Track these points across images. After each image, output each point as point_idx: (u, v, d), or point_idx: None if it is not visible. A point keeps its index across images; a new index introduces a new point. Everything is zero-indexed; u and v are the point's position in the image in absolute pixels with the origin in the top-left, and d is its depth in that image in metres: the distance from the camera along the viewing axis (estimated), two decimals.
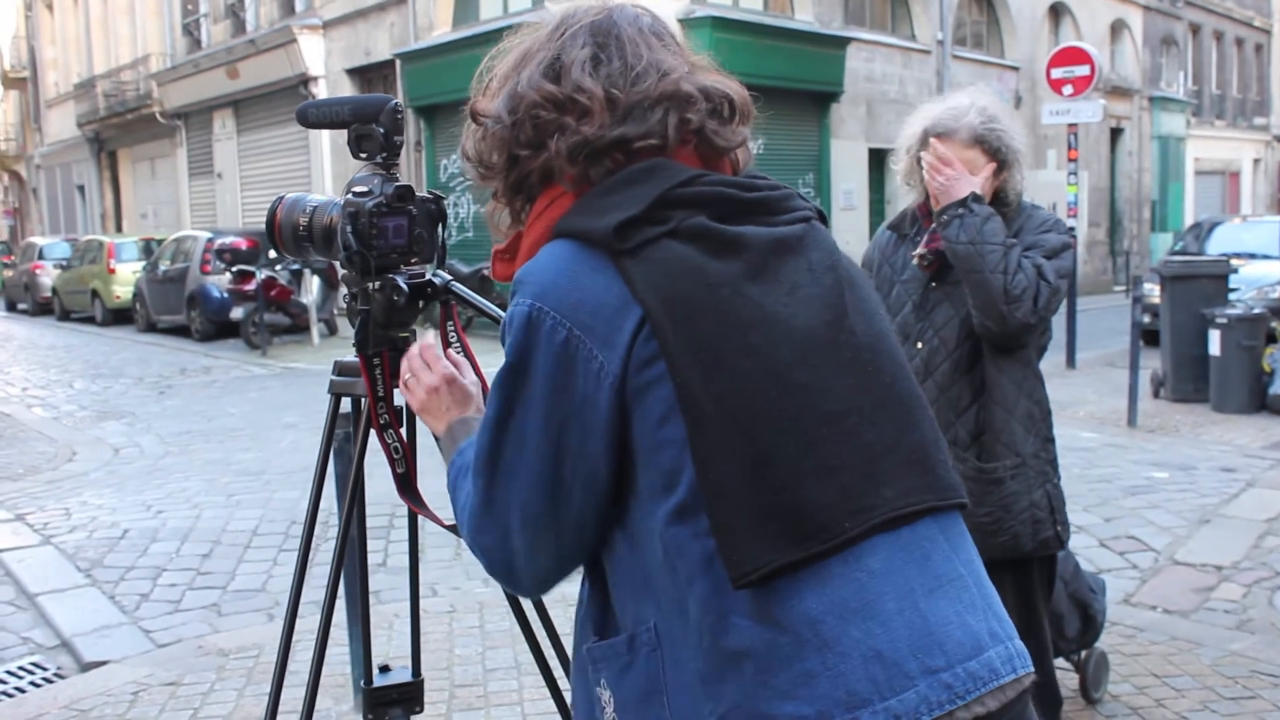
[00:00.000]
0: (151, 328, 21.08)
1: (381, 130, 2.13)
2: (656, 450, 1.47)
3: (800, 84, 19.81)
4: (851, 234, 21.64)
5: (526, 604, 2.56)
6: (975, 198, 3.25)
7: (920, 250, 3.42)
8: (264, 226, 2.37)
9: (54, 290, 25.86)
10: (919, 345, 3.38)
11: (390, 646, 4.82)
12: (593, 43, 1.61)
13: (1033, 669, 1.55)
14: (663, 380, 1.46)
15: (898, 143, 3.56)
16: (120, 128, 33.62)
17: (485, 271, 14.11)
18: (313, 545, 2.63)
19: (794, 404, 1.47)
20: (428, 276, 2.20)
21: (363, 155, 2.15)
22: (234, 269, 17.21)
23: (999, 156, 3.34)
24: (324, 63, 23.74)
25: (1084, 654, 4.20)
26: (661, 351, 1.45)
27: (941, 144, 3.34)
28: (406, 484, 2.26)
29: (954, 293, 3.36)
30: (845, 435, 1.48)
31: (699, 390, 1.44)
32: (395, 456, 2.23)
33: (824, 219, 1.68)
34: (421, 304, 2.20)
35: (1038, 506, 3.34)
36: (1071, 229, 3.99)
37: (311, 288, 17.36)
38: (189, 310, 19.34)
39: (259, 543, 6.78)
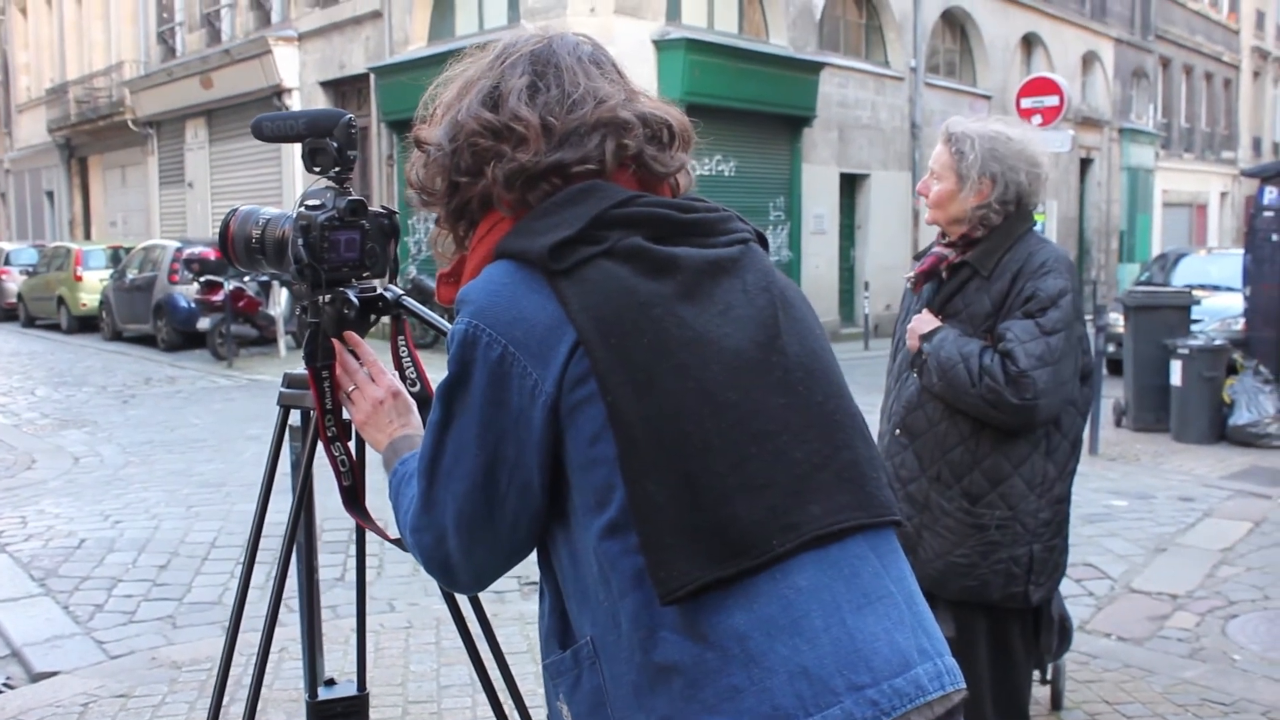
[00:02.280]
0: (117, 336, 20.95)
1: (335, 145, 2.13)
2: (589, 468, 1.50)
3: (773, 108, 19.92)
4: (821, 258, 21.75)
5: (473, 622, 2.56)
6: (924, 339, 3.30)
7: (909, 273, 3.44)
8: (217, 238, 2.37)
9: (19, 296, 25.63)
10: (917, 373, 3.36)
11: (346, 661, 4.79)
12: (531, 71, 1.65)
13: (963, 686, 1.57)
14: (594, 399, 1.48)
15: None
16: (91, 134, 33.42)
17: None
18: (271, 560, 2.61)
19: (723, 423, 1.49)
20: (379, 291, 2.21)
21: (316, 169, 2.15)
22: (202, 279, 17.13)
23: (957, 161, 3.29)
24: (298, 75, 23.69)
25: (1053, 666, 4.28)
26: (592, 371, 1.48)
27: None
28: (353, 497, 2.26)
29: (951, 326, 3.32)
30: (774, 454, 1.51)
31: (629, 409, 1.47)
32: (342, 469, 2.23)
33: (764, 241, 1.72)
34: (373, 318, 2.21)
35: (1015, 563, 3.28)
36: None
37: (280, 300, 17.29)
38: (156, 319, 19.21)
39: (217, 555, 6.74)
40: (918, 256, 3.58)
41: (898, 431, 3.39)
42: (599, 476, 1.49)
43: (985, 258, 3.30)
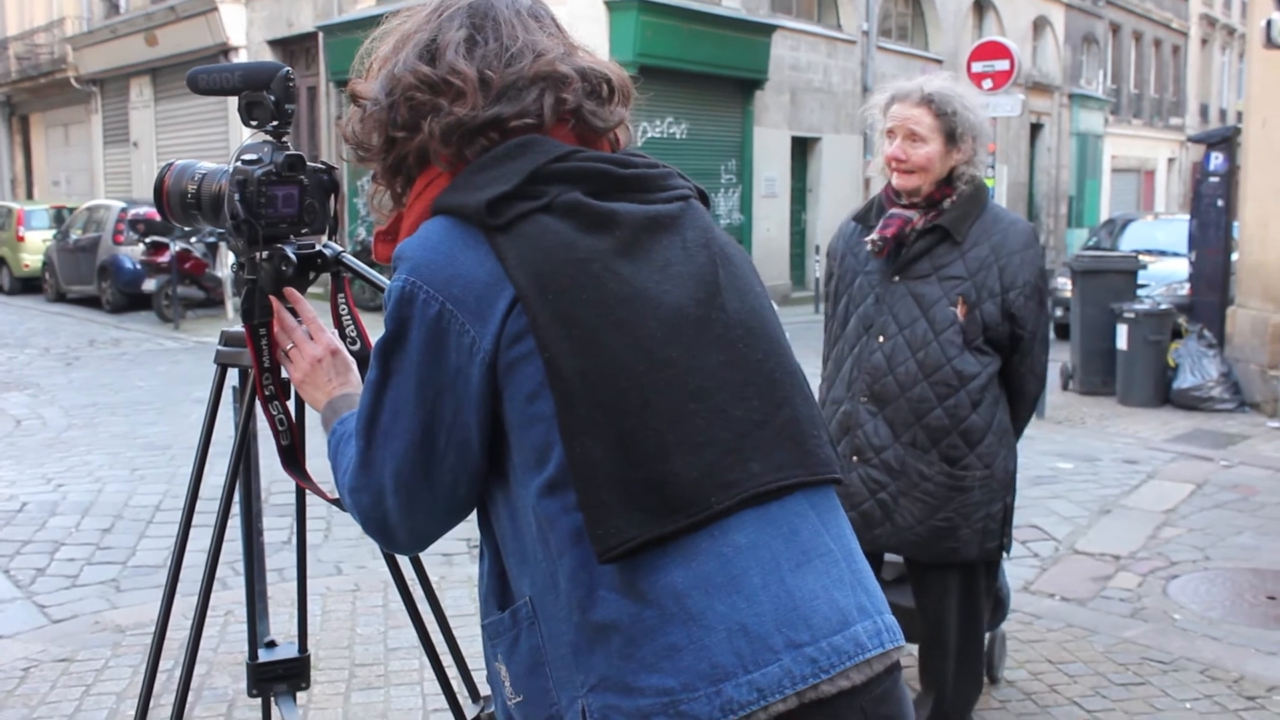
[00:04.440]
0: (61, 298, 20.65)
1: (273, 98, 2.09)
2: (527, 425, 1.48)
3: (725, 70, 19.87)
4: (772, 221, 21.77)
5: (415, 584, 2.54)
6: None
7: (873, 236, 3.37)
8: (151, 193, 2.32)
9: None
10: (880, 339, 3.32)
11: (293, 624, 4.75)
12: (469, 24, 1.62)
13: (903, 643, 1.58)
14: (532, 356, 1.47)
15: (872, 124, 3.48)
16: (33, 92, 32.83)
17: None
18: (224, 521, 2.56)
19: (661, 380, 1.48)
20: (318, 248, 2.17)
21: (253, 123, 2.11)
22: (147, 240, 16.91)
23: (947, 122, 3.26)
24: (245, 33, 23.35)
25: (988, 636, 4.27)
26: (530, 327, 1.46)
27: (896, 107, 3.32)
28: (291, 457, 2.23)
29: (919, 289, 3.29)
30: (713, 411, 1.50)
31: (567, 366, 1.45)
32: (280, 429, 2.20)
33: (705, 198, 1.70)
34: (312, 275, 2.17)
35: (993, 519, 3.33)
36: None
37: (226, 261, 17.09)
38: (100, 281, 18.97)
39: (161, 518, 6.67)
40: (860, 218, 3.53)
41: (864, 399, 3.36)
42: (537, 434, 1.47)
43: (959, 223, 3.29)
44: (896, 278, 3.34)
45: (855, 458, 3.34)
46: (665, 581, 1.44)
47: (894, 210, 3.38)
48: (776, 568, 1.48)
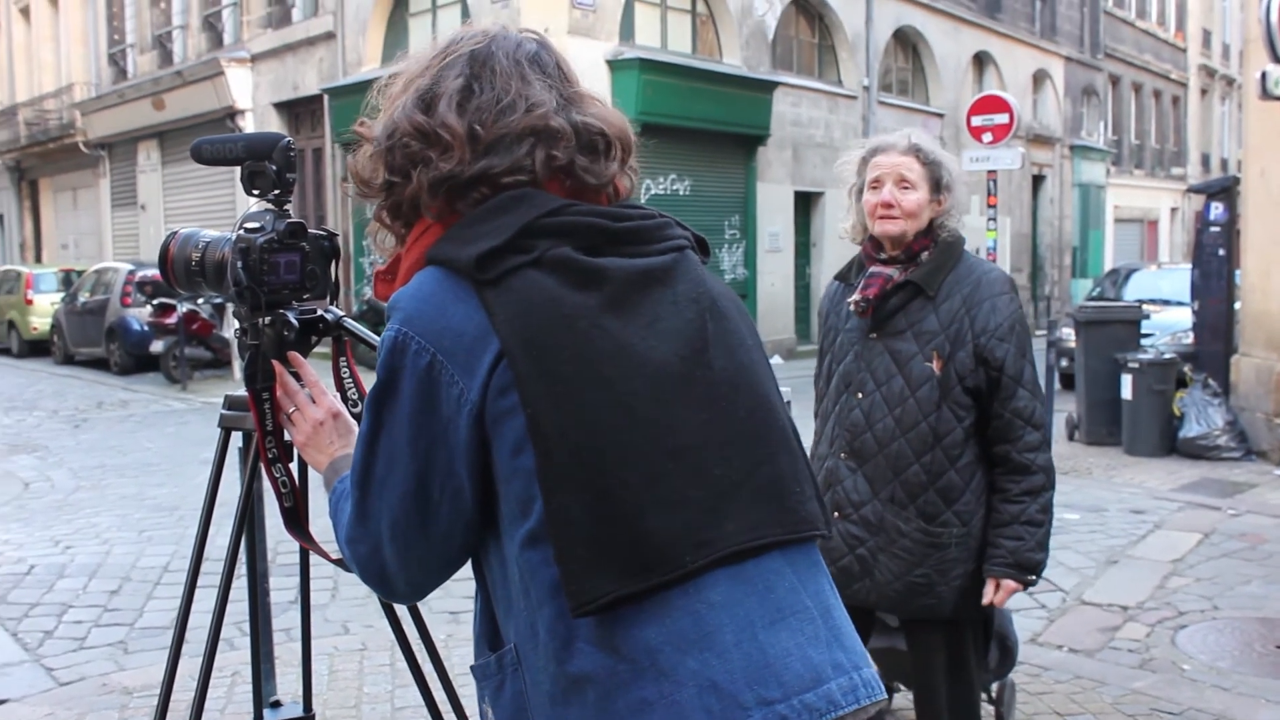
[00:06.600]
0: (69, 360, 20.73)
1: (274, 168, 2.14)
2: (512, 478, 1.51)
3: (727, 127, 20.02)
4: (777, 276, 21.84)
5: (414, 636, 2.55)
6: (1021, 570, 3.25)
7: (855, 296, 3.38)
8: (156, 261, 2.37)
9: None
10: (859, 396, 3.34)
11: (300, 684, 4.76)
12: (467, 73, 1.64)
13: (879, 697, 1.58)
14: (517, 411, 1.49)
15: (845, 190, 3.48)
16: (42, 156, 33.10)
17: None
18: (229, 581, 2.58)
19: (642, 438, 1.50)
20: (320, 313, 2.21)
21: (255, 192, 2.16)
22: (155, 302, 17.00)
23: (934, 171, 3.29)
24: (251, 96, 23.57)
25: (997, 685, 4.26)
26: (515, 382, 1.49)
27: (880, 157, 3.35)
28: (294, 519, 2.25)
29: (896, 345, 3.30)
30: (691, 470, 1.52)
31: (548, 422, 1.48)
32: (283, 491, 2.23)
33: (704, 248, 1.71)
34: (314, 339, 2.21)
35: (972, 578, 3.30)
36: None
37: (233, 322, 17.12)
38: (108, 343, 19.03)
39: (169, 579, 6.68)
40: (842, 276, 3.56)
41: (843, 455, 3.38)
42: (520, 487, 1.50)
43: (931, 278, 3.30)
44: (873, 335, 3.35)
45: (836, 513, 3.35)
46: (639, 637, 1.47)
47: (874, 269, 3.39)
48: (749, 625, 1.50)
